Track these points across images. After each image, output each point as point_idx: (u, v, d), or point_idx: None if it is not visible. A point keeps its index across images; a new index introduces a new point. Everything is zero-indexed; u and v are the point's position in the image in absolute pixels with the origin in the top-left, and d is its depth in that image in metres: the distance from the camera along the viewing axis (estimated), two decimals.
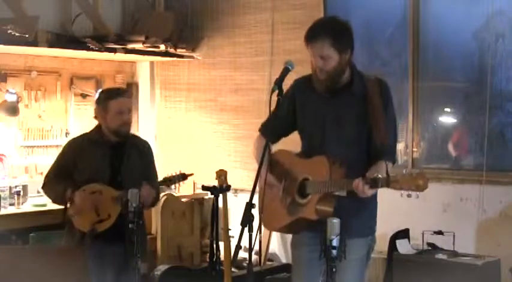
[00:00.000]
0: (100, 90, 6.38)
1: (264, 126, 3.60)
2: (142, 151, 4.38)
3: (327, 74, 3.27)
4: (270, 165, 3.41)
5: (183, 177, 4.35)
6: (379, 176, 3.03)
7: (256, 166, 3.18)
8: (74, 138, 4.49)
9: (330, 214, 3.12)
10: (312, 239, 3.29)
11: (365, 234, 3.38)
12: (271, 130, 3.49)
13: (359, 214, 3.30)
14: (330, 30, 3.24)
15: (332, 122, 3.35)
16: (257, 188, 3.12)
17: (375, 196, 3.36)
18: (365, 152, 3.33)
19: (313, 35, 3.26)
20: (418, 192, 2.92)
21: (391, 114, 3.36)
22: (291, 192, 3.35)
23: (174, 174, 4.40)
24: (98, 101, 4.37)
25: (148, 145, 4.53)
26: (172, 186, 6.47)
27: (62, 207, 4.35)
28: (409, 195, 2.94)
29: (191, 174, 4.43)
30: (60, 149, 4.62)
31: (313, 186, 3.26)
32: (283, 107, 3.38)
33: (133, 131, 5.79)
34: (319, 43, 3.23)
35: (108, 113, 4.26)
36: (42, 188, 4.47)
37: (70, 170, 4.32)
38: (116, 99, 4.27)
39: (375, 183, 3.03)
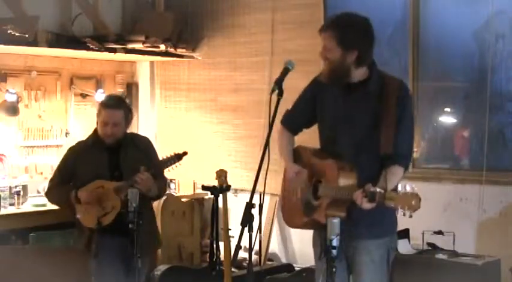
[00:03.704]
0: (101, 91, 6.40)
1: (285, 117, 3.59)
2: (139, 147, 4.45)
3: (327, 63, 3.29)
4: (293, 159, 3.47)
5: (178, 157, 4.32)
6: (378, 190, 2.95)
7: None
8: (73, 146, 4.60)
9: (342, 219, 3.01)
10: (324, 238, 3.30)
11: (379, 235, 3.32)
12: (292, 121, 3.56)
13: (371, 215, 3.13)
14: (336, 25, 3.31)
15: (344, 121, 3.32)
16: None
17: None
18: (377, 153, 3.24)
19: (323, 27, 3.36)
20: (411, 213, 2.84)
21: (407, 117, 3.28)
22: (306, 192, 3.35)
23: (168, 156, 4.36)
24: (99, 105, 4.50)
25: (148, 141, 4.60)
26: (172, 186, 6.50)
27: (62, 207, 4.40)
28: (404, 214, 2.85)
29: (185, 153, 4.34)
30: (60, 149, 4.66)
31: (324, 190, 3.25)
32: (303, 99, 3.49)
33: (133, 131, 5.80)
34: (325, 34, 3.31)
35: (99, 120, 4.38)
36: (46, 194, 4.58)
37: (71, 176, 4.44)
38: (105, 109, 4.36)
39: (372, 198, 2.96)
